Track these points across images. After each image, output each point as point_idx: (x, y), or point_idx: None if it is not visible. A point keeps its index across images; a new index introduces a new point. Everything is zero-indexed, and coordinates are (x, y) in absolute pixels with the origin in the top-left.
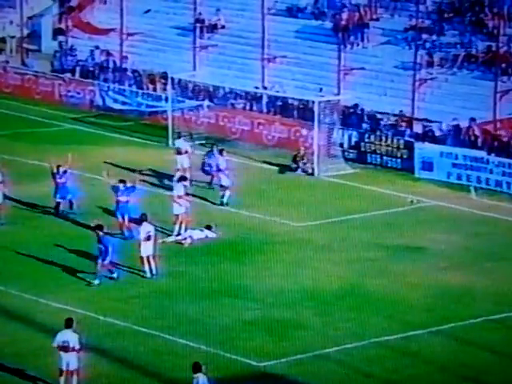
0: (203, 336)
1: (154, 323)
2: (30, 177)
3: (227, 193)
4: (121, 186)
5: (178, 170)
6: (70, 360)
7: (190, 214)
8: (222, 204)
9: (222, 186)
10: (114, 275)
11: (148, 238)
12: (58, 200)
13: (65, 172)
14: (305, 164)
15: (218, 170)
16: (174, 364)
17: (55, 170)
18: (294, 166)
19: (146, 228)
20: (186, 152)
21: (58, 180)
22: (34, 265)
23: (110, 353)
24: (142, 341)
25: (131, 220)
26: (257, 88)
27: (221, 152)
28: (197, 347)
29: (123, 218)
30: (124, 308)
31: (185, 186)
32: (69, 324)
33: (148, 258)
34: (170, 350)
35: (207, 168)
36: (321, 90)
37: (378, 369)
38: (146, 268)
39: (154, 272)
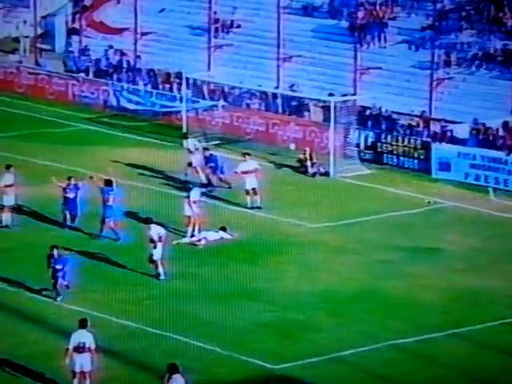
0: (216, 338)
1: (167, 325)
2: (42, 178)
3: (251, 197)
4: (107, 186)
5: (190, 165)
6: (85, 361)
7: (203, 216)
8: (254, 208)
9: (247, 190)
10: (58, 298)
11: (159, 240)
12: (65, 212)
13: (77, 187)
14: (313, 164)
15: (243, 172)
16: (187, 366)
17: (64, 184)
18: (302, 169)
19: (157, 230)
20: (197, 149)
21: (67, 195)
22: (44, 266)
23: (122, 355)
24: (154, 343)
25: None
26: (276, 88)
27: (244, 155)
28: (210, 349)
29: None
30: (136, 310)
31: (202, 192)
32: (83, 324)
33: (160, 260)
34: (183, 352)
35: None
36: (345, 95)
37: (394, 372)
38: (161, 270)
39: (166, 274)
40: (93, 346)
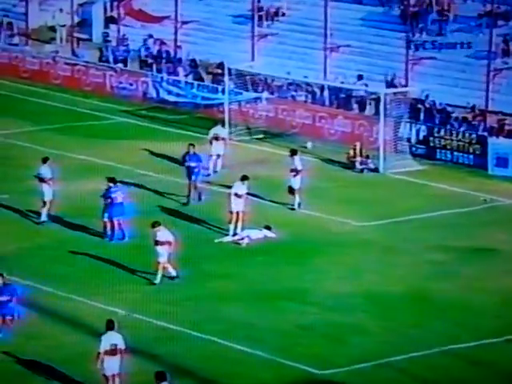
0: (259, 341)
1: (207, 327)
2: (78, 172)
3: (297, 196)
4: (111, 185)
5: (212, 155)
6: (118, 364)
7: (247, 213)
8: (293, 208)
9: (291, 188)
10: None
11: (168, 243)
12: (106, 220)
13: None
14: (362, 160)
15: (295, 171)
16: (228, 371)
17: (110, 185)
18: (349, 164)
19: (166, 234)
20: (223, 139)
21: (113, 195)
22: (82, 265)
23: (161, 358)
24: (194, 346)
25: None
26: (335, 80)
27: (294, 152)
28: (252, 353)
29: (111, 218)
30: (176, 311)
31: (245, 185)
32: (111, 326)
33: (163, 264)
34: (224, 355)
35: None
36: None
37: (445, 379)
38: (159, 274)
39: (157, 281)
40: (123, 347)
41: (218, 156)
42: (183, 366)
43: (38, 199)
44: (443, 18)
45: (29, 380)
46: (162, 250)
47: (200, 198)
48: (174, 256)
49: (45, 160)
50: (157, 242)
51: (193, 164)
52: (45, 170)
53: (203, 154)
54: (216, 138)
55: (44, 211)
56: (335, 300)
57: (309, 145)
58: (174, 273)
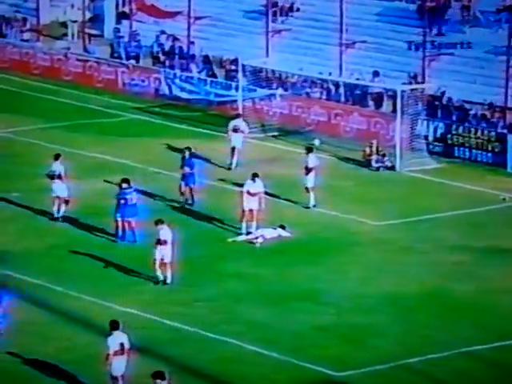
0: (274, 343)
1: (221, 328)
2: (90, 170)
3: (312, 195)
4: (125, 185)
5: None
6: (124, 363)
7: (261, 212)
8: (308, 207)
9: (307, 187)
10: None
11: (166, 243)
12: (118, 219)
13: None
14: (379, 158)
15: (307, 169)
16: (243, 372)
17: (123, 186)
18: (365, 162)
19: (167, 232)
20: (242, 131)
21: (127, 196)
22: (94, 265)
23: (174, 359)
24: (207, 347)
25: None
26: (350, 77)
27: (309, 150)
28: (267, 355)
29: (123, 219)
30: (189, 312)
31: (256, 183)
32: (116, 326)
33: (165, 263)
34: (238, 357)
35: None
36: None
37: (463, 381)
38: (168, 274)
39: (168, 281)
40: (128, 346)
41: (234, 149)
42: (197, 368)
43: (49, 197)
44: (462, 13)
45: (37, 382)
46: (165, 250)
47: (192, 202)
48: (170, 258)
49: (57, 157)
50: (159, 241)
51: (186, 170)
52: (57, 167)
53: (199, 159)
54: (235, 130)
55: (62, 208)
56: (351, 300)
57: (316, 142)
58: (161, 277)
